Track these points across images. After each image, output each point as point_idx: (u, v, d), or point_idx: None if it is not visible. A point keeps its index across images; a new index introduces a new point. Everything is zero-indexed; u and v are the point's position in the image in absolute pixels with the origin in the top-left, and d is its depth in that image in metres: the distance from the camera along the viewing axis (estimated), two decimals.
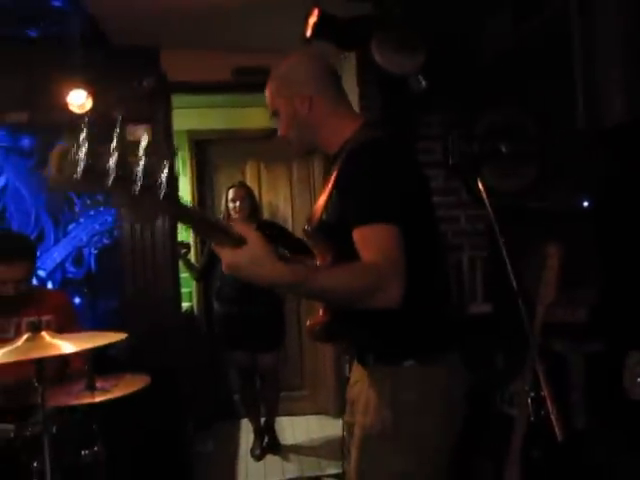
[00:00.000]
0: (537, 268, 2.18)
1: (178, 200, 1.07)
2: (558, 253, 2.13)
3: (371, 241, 1.24)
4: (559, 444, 1.55)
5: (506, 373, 2.52)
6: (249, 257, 1.12)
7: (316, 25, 2.52)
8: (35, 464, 1.74)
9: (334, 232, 1.38)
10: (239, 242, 1.12)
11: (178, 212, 1.11)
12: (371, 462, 1.38)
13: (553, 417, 1.55)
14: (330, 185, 1.41)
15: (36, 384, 1.60)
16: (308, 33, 2.58)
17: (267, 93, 1.52)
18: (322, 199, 1.45)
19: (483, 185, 2.09)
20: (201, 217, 1.17)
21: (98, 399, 1.89)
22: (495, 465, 2.25)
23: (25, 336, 1.66)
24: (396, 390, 1.38)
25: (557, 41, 1.82)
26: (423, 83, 2.61)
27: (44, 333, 1.66)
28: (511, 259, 2.02)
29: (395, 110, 2.80)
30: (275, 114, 1.51)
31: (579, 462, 2.11)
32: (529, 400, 1.75)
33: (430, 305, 1.42)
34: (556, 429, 1.52)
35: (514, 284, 1.87)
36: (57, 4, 2.67)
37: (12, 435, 1.78)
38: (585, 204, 2.42)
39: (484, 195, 2.06)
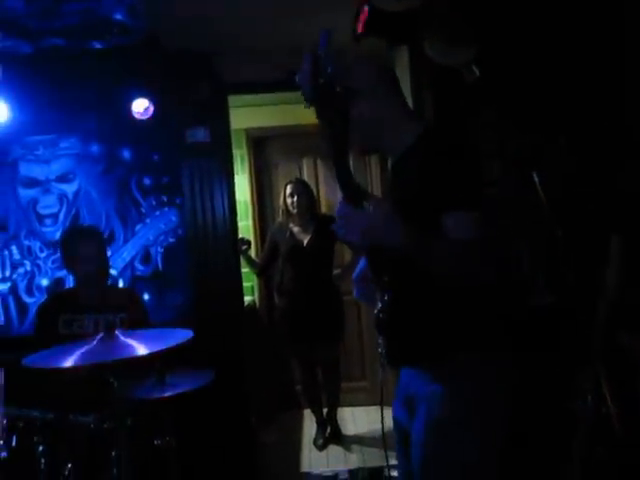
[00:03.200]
0: (599, 260, 2.12)
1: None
2: (622, 245, 2.07)
3: (470, 223, 1.36)
4: (621, 442, 1.53)
5: (570, 365, 2.47)
6: (382, 217, 1.33)
7: (367, 21, 2.54)
8: (113, 453, 1.87)
9: (411, 222, 1.42)
10: (355, 198, 1.38)
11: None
12: (437, 457, 1.44)
13: (614, 415, 1.52)
14: (408, 179, 1.49)
15: (111, 380, 1.72)
16: (359, 30, 2.59)
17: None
18: (395, 192, 1.56)
19: (540, 175, 2.06)
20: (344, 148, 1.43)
21: (168, 394, 2.00)
22: (557, 459, 2.23)
23: (100, 335, 1.78)
24: (457, 385, 1.44)
25: (611, 28, 1.76)
26: (477, 73, 2.58)
27: (118, 332, 1.78)
28: (570, 252, 1.98)
29: (449, 101, 2.77)
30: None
31: None
32: (590, 399, 1.72)
33: (485, 299, 1.47)
34: (617, 428, 1.50)
35: (572, 278, 1.83)
36: (119, 18, 2.80)
37: (92, 427, 1.92)
38: None
39: (538, 184, 2.03)
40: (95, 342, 1.75)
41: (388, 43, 2.63)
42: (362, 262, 1.65)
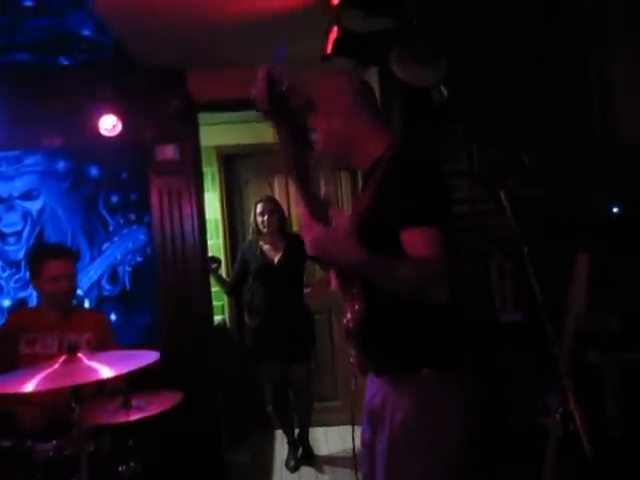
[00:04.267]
0: (566, 277, 2.15)
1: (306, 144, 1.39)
2: (587, 261, 2.10)
3: (425, 242, 1.35)
4: (590, 459, 1.54)
5: (540, 382, 2.49)
6: (337, 236, 1.32)
7: (336, 42, 2.56)
8: None
9: (373, 236, 1.42)
10: (320, 213, 1.35)
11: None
12: (399, 470, 1.44)
13: (582, 433, 1.53)
14: (370, 193, 1.48)
15: (73, 405, 1.66)
16: (329, 50, 2.61)
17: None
18: (359, 206, 1.54)
19: (506, 194, 2.08)
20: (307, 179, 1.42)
21: (133, 417, 1.94)
22: (530, 477, 2.23)
23: (62, 358, 1.72)
24: (420, 399, 1.44)
25: (575, 50, 1.81)
26: (445, 93, 2.62)
27: (81, 355, 1.72)
28: (536, 269, 2.00)
29: (418, 121, 2.81)
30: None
31: (615, 473, 2.08)
32: (558, 416, 1.73)
33: (451, 314, 1.48)
34: (585, 445, 1.51)
35: (538, 295, 1.85)
36: (87, 33, 2.77)
37: (51, 454, 1.84)
38: (615, 211, 2.38)
39: (506, 204, 2.05)
40: (57, 365, 1.69)
41: (357, 64, 2.65)
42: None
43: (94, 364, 1.68)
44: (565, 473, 1.85)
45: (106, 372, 1.63)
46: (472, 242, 2.99)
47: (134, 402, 2.03)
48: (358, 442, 1.63)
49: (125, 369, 1.63)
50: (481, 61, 2.73)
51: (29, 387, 1.57)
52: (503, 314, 2.88)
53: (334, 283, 1.58)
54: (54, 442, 1.86)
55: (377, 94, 2.97)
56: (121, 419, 1.96)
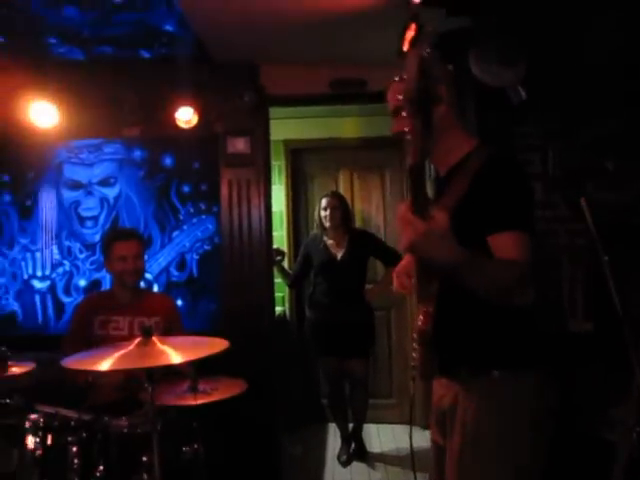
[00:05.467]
0: None
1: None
2: None
3: (515, 246, 1.36)
4: None
5: (607, 395, 2.40)
6: (439, 234, 1.28)
7: (414, 40, 2.53)
8: (144, 458, 1.88)
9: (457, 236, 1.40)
10: (421, 209, 1.31)
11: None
12: (470, 472, 1.43)
13: None
14: (457, 193, 1.46)
15: (146, 385, 1.74)
16: (405, 47, 2.59)
17: (392, 92, 1.59)
18: (444, 204, 1.50)
19: (585, 200, 2.01)
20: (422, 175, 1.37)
21: (200, 401, 2.01)
22: None
23: (137, 340, 1.80)
24: (490, 401, 1.43)
25: None
26: (523, 94, 2.55)
27: (155, 339, 1.79)
28: (615, 278, 1.92)
29: (492, 122, 2.74)
30: (395, 113, 1.58)
31: None
32: (634, 435, 1.66)
33: (524, 317, 1.46)
34: None
35: (618, 306, 1.78)
36: (168, 28, 2.86)
37: (125, 430, 1.94)
38: None
39: (586, 210, 1.98)
40: (132, 346, 1.77)
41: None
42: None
43: (167, 348, 1.75)
44: None
45: (178, 357, 1.69)
46: (543, 248, 2.90)
47: (201, 387, 2.10)
48: (416, 443, 1.62)
49: (196, 355, 1.69)
50: (561, 62, 2.63)
51: (105, 366, 1.66)
52: (573, 323, 2.79)
53: (408, 283, 1.58)
54: (127, 419, 1.95)
55: None
56: (188, 402, 2.04)
